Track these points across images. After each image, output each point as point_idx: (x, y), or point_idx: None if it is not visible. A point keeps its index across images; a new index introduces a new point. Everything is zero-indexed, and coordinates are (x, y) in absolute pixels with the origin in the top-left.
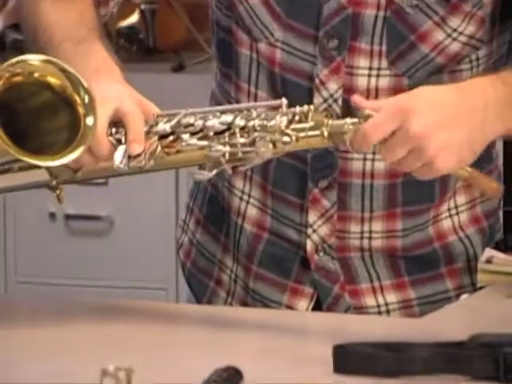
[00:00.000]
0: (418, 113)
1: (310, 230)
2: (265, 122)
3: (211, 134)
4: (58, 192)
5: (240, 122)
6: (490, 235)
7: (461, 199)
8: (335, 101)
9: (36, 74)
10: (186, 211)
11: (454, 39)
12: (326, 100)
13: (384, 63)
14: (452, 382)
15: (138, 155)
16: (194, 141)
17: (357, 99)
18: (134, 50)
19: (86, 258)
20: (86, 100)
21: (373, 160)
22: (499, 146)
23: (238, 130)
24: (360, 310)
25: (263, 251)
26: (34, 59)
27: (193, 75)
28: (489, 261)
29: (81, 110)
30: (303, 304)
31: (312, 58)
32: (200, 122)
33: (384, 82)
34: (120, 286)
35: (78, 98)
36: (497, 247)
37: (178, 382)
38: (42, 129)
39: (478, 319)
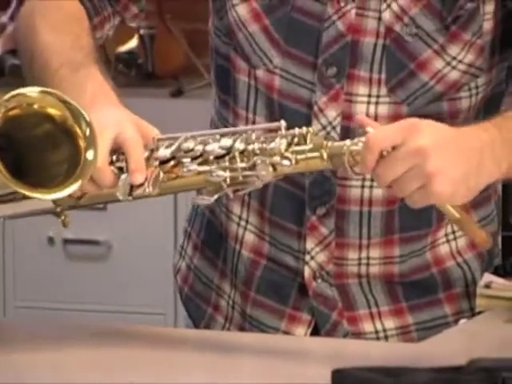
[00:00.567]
0: (421, 131)
1: (307, 257)
2: (264, 145)
3: (211, 158)
4: (62, 218)
5: (239, 145)
6: (489, 260)
7: None
8: (334, 128)
9: (35, 106)
10: (183, 236)
11: (454, 67)
12: (324, 127)
13: (383, 91)
14: None
15: (141, 184)
16: (194, 166)
17: (360, 117)
18: (133, 75)
19: (84, 282)
20: (87, 133)
21: (371, 187)
22: None
23: (237, 154)
24: (358, 336)
25: (261, 277)
26: (31, 91)
27: (191, 100)
28: (487, 286)
29: (82, 143)
30: (301, 330)
31: (310, 85)
32: (200, 147)
33: (383, 110)
34: (118, 310)
35: (79, 130)
36: (496, 272)
37: None
38: (42, 161)
39: (476, 344)
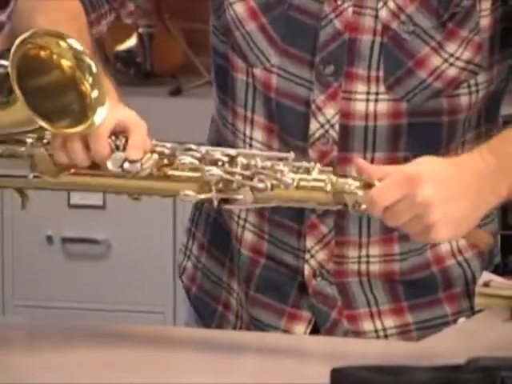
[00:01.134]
0: (425, 182)
1: (307, 256)
2: (268, 164)
3: (209, 162)
4: (25, 197)
5: (243, 159)
6: (489, 259)
7: None
8: (332, 126)
9: (54, 55)
10: (187, 236)
11: (451, 64)
12: (322, 125)
13: (382, 88)
14: None
15: (135, 161)
16: (190, 159)
17: (361, 164)
18: (132, 73)
19: (83, 281)
20: (91, 80)
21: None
22: None
23: (239, 164)
24: (358, 334)
25: (260, 276)
26: (67, 41)
27: (190, 99)
28: (486, 284)
29: (87, 88)
30: (300, 328)
31: (308, 83)
32: (202, 149)
33: (382, 107)
34: (117, 309)
35: (83, 79)
36: (495, 271)
37: None
38: (51, 105)
39: (475, 343)
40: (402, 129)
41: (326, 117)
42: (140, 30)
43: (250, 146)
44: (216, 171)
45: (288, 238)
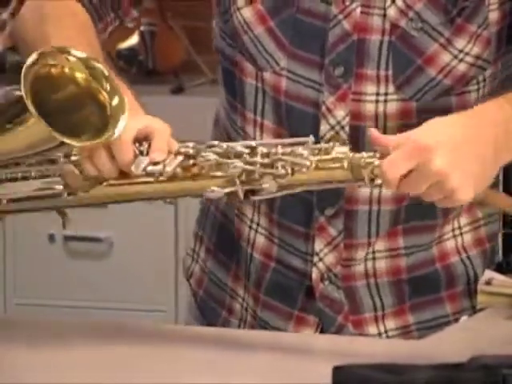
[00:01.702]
0: (435, 150)
1: (316, 259)
2: (288, 150)
3: (232, 156)
4: (65, 218)
5: (263, 148)
6: (491, 258)
7: (463, 220)
8: (342, 128)
9: (66, 69)
10: (194, 239)
11: (461, 60)
12: (333, 127)
13: (391, 88)
14: None
15: (158, 163)
16: (213, 156)
17: (374, 134)
18: (133, 72)
19: (85, 279)
20: (108, 87)
21: (380, 186)
22: None
23: (259, 153)
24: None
25: (270, 280)
26: (74, 55)
27: (192, 97)
28: (488, 282)
29: (105, 97)
30: (309, 333)
31: (318, 85)
32: (223, 145)
33: (392, 107)
34: (119, 307)
35: (101, 88)
36: (498, 269)
37: None
38: (69, 120)
39: (477, 341)
40: (412, 129)
41: (337, 118)
42: (142, 29)
43: None
44: (237, 163)
45: (296, 242)
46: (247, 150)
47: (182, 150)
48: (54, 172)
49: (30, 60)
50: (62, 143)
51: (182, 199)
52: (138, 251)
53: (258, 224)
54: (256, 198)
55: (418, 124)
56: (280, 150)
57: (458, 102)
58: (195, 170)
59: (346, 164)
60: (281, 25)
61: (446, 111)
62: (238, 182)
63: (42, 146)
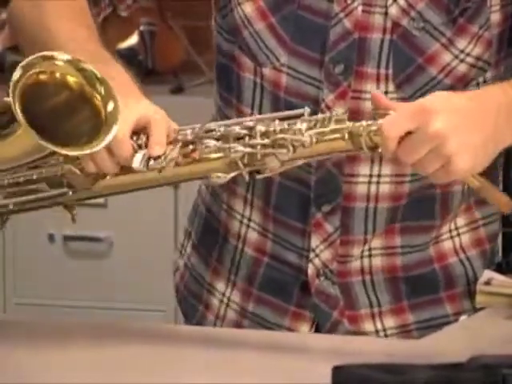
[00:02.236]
0: (437, 114)
1: (312, 255)
2: (285, 126)
3: (231, 139)
4: (73, 212)
5: (261, 127)
6: (491, 259)
7: (460, 220)
8: None
9: (57, 74)
10: (184, 235)
11: (462, 61)
12: None
13: (391, 87)
14: None
15: (158, 157)
16: (213, 142)
17: (377, 95)
18: (133, 71)
19: (84, 279)
20: (103, 91)
21: (377, 183)
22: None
23: (258, 133)
24: (358, 335)
25: (263, 275)
26: (60, 59)
27: (191, 97)
28: (488, 282)
29: (100, 101)
30: (304, 329)
31: (318, 82)
32: (221, 128)
33: None
34: (119, 307)
35: (96, 93)
36: (497, 269)
37: None
38: (63, 127)
39: (476, 341)
40: None
41: None
42: (141, 28)
43: None
44: (238, 147)
45: (292, 237)
46: (245, 131)
47: (180, 137)
48: (55, 173)
49: (16, 74)
50: (54, 153)
51: (182, 199)
52: (137, 251)
53: (249, 219)
54: (261, 176)
55: None
56: (278, 127)
57: None
58: (195, 155)
59: (346, 135)
60: (282, 21)
61: None
62: (241, 164)
63: (34, 156)
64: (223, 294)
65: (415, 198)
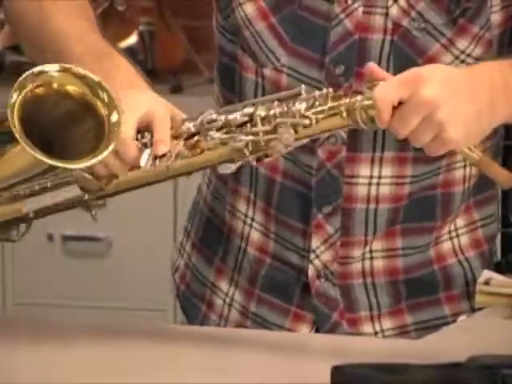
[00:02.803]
0: (429, 82)
1: (312, 256)
2: (285, 109)
3: (234, 128)
4: (93, 212)
5: (261, 112)
6: (489, 259)
7: (460, 221)
8: None
9: (55, 85)
10: (183, 234)
11: (462, 61)
12: None
13: None
14: None
15: (164, 155)
16: (217, 135)
17: (373, 67)
18: None
19: (83, 279)
20: (106, 99)
21: (378, 184)
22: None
23: (259, 120)
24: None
25: (265, 276)
26: (52, 70)
27: (191, 97)
28: (487, 282)
29: (103, 110)
30: (305, 330)
31: (318, 83)
32: (222, 117)
33: None
34: (118, 307)
35: (98, 102)
36: (497, 269)
37: None
38: (67, 138)
39: (475, 341)
40: None
41: None
42: (141, 28)
43: None
44: (242, 137)
45: (294, 238)
46: (246, 118)
47: (185, 127)
48: (67, 179)
49: (13, 98)
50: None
51: (181, 199)
52: (136, 251)
53: (252, 219)
54: (268, 159)
55: None
56: (277, 109)
57: None
58: (200, 146)
59: (344, 112)
60: (282, 21)
61: None
62: (247, 152)
63: (39, 168)
64: (226, 294)
65: (416, 200)
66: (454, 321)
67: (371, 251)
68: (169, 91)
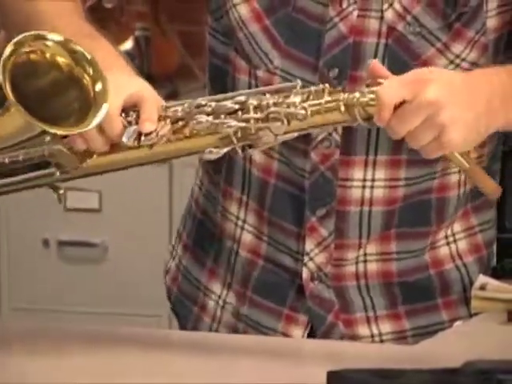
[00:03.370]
0: (432, 84)
1: (306, 258)
2: (279, 100)
3: (223, 115)
4: (61, 191)
5: (253, 101)
6: (487, 264)
7: (457, 226)
8: (335, 129)
9: (47, 54)
10: (175, 237)
11: (457, 65)
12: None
13: None
14: None
15: (149, 133)
16: (205, 118)
17: (376, 64)
18: None
19: (79, 284)
20: (91, 71)
21: (372, 187)
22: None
23: (251, 107)
24: (353, 339)
25: (258, 278)
26: (51, 39)
27: None
28: (483, 287)
29: (89, 81)
30: (298, 332)
31: (311, 85)
32: (212, 104)
33: None
34: (113, 312)
35: (85, 74)
36: (493, 274)
37: None
38: (53, 106)
39: (471, 346)
40: None
41: None
42: (136, 33)
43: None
44: (232, 122)
45: (287, 241)
46: (237, 106)
47: (170, 113)
48: (41, 153)
49: (7, 51)
50: (44, 131)
51: (176, 204)
52: (132, 256)
53: (244, 221)
54: (255, 150)
55: None
56: (271, 100)
57: None
58: (187, 131)
59: (342, 107)
60: (276, 24)
61: None
62: (234, 139)
63: (24, 135)
64: (219, 296)
65: (411, 204)
66: (452, 327)
67: (365, 254)
68: (165, 96)
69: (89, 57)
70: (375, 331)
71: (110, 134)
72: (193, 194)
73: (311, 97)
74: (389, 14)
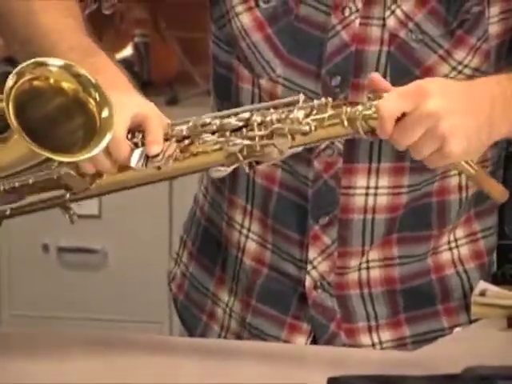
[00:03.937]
0: (433, 95)
1: (309, 267)
2: (283, 116)
3: (228, 133)
4: (71, 212)
5: (257, 118)
6: (488, 271)
7: (459, 232)
8: None
9: (51, 80)
10: (179, 244)
11: (459, 72)
12: None
13: None
14: None
15: (157, 155)
16: (210, 137)
17: (376, 77)
18: None
19: (79, 290)
20: (97, 97)
21: (375, 195)
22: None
23: (256, 124)
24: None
25: (262, 286)
26: (53, 64)
27: (186, 108)
28: (482, 294)
29: (95, 107)
30: (301, 340)
31: (314, 94)
32: (217, 121)
33: None
34: (114, 319)
35: (90, 99)
36: (493, 280)
37: None
38: (58, 133)
39: (471, 352)
40: None
41: None
42: (136, 40)
43: None
44: (237, 141)
45: (291, 249)
46: (241, 123)
47: (176, 132)
48: (51, 176)
49: (9, 82)
50: (49, 158)
51: (177, 210)
52: (132, 262)
53: (248, 229)
54: (261, 166)
55: None
56: (274, 116)
57: None
58: (193, 149)
59: (344, 120)
60: (279, 33)
61: None
62: (240, 157)
63: (30, 161)
64: (226, 304)
65: (412, 208)
66: (452, 333)
67: (368, 261)
68: (165, 103)
69: (93, 81)
70: (376, 340)
71: (118, 157)
72: (197, 201)
73: (314, 111)
74: (391, 22)
